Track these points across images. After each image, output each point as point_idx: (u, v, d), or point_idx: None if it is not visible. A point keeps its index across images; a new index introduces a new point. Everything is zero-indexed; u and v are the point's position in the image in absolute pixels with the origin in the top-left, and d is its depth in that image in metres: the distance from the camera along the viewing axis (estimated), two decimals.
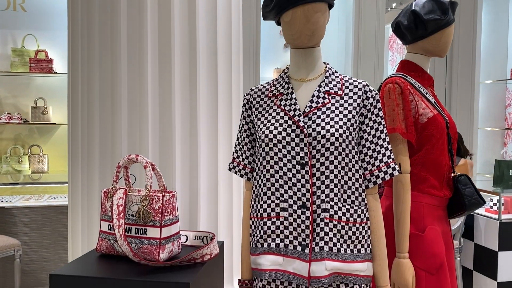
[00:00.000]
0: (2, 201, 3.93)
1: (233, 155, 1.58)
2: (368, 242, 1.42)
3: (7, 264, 3.94)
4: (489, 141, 4.67)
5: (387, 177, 1.43)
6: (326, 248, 1.36)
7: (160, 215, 1.51)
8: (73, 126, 2.55)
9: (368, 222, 1.43)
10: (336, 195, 1.38)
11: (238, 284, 1.40)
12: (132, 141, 2.35)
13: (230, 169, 1.56)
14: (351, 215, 1.39)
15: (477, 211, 3.50)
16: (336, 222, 1.37)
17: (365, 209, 1.43)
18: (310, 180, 1.38)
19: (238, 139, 1.57)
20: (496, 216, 3.34)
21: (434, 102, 1.76)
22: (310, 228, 1.36)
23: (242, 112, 1.55)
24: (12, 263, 3.90)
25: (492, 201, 3.43)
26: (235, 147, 1.58)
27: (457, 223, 3.34)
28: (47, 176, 4.23)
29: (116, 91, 2.34)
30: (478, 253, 3.50)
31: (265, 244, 1.40)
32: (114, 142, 2.37)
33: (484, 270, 3.43)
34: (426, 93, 1.74)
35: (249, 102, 1.53)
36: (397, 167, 1.45)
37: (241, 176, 1.54)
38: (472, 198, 1.70)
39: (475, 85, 4.60)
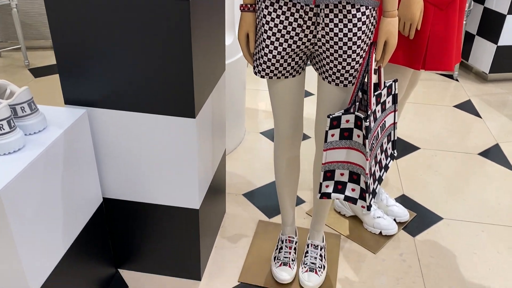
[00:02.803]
0: None
1: None
2: None
3: (6, 16, 3.89)
4: None
5: None
6: None
7: None
8: None
9: None
10: None
11: (240, 9, 1.35)
12: None
13: None
14: None
15: None
16: None
17: None
18: None
19: None
20: None
21: None
22: None
23: None
24: (11, 13, 3.82)
25: None
26: None
27: None
28: None
29: None
30: (485, 17, 3.43)
31: None
32: None
33: (487, 35, 3.42)
34: None
35: None
36: None
37: None
38: None
39: None
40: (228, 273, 1.75)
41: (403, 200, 2.19)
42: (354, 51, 1.26)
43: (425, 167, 2.45)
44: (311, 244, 1.76)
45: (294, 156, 1.60)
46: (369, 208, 1.36)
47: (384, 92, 1.46)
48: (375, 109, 1.43)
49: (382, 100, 1.46)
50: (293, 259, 1.75)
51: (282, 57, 1.31)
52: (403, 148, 2.62)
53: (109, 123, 1.42)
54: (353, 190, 1.39)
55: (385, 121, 1.51)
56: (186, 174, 1.47)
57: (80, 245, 1.43)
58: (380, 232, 1.96)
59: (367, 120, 1.26)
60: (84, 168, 1.41)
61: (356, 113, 1.30)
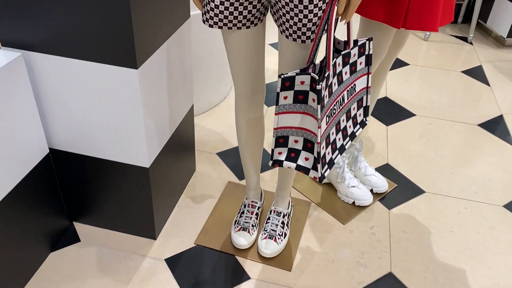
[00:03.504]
0: None
1: None
2: None
3: None
4: None
5: None
6: None
7: None
8: None
9: None
10: None
11: None
12: None
13: None
14: None
15: None
16: None
17: None
18: None
19: None
20: None
21: None
22: None
23: None
24: None
25: None
26: None
27: None
28: None
29: None
30: None
31: None
32: None
33: None
34: None
35: None
36: None
37: None
38: None
39: None
40: (186, 234, 1.69)
41: (386, 169, 2.06)
42: (311, 2, 1.10)
43: (416, 136, 2.29)
44: (274, 211, 1.67)
45: (256, 117, 1.47)
46: (321, 180, 1.24)
47: (355, 51, 1.30)
48: (341, 71, 1.28)
49: (351, 61, 1.31)
50: (254, 224, 1.66)
51: (232, 4, 1.16)
52: (397, 113, 2.45)
53: (49, 69, 1.32)
54: (306, 159, 1.27)
55: (354, 84, 1.36)
56: (132, 129, 1.37)
57: (23, 194, 1.37)
58: (354, 203, 1.85)
59: (320, 83, 1.12)
60: (24, 115, 1.32)
61: (312, 74, 1.16)
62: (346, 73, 1.31)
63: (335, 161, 1.32)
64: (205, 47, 2.13)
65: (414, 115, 2.45)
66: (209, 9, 1.18)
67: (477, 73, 2.91)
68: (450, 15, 1.47)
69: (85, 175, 1.54)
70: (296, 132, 1.25)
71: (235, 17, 1.19)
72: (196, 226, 1.72)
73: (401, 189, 1.95)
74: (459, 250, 1.69)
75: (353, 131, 1.41)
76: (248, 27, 1.23)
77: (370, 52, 1.37)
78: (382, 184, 1.90)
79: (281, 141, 1.27)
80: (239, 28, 1.23)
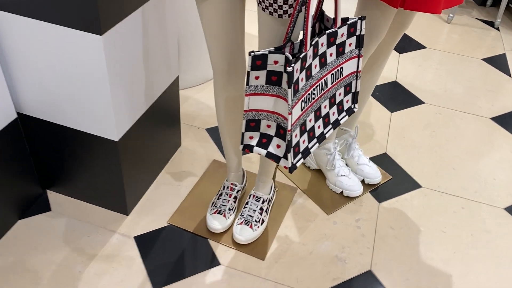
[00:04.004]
0: None
1: None
2: None
3: None
4: None
5: None
6: None
7: None
8: None
9: None
10: None
11: None
12: None
13: None
14: None
15: None
16: None
17: None
18: None
19: None
20: None
21: None
22: None
23: None
24: None
25: None
26: None
27: None
28: None
29: None
30: None
31: None
32: None
33: None
34: None
35: None
36: None
37: None
38: None
39: None
40: (160, 212, 1.62)
41: (383, 159, 1.93)
42: None
43: (422, 125, 2.14)
44: (253, 195, 1.58)
45: (234, 97, 1.36)
46: (291, 170, 1.14)
47: (343, 31, 1.17)
48: (325, 52, 1.15)
49: (338, 41, 1.18)
50: (231, 208, 1.58)
51: None
52: (404, 100, 2.30)
53: (16, 30, 1.23)
54: (278, 146, 1.16)
55: (342, 67, 1.24)
56: (99, 100, 1.28)
57: None
58: (342, 192, 1.74)
59: (292, 65, 1.00)
60: None
61: (286, 53, 1.04)
62: (331, 54, 1.18)
63: (311, 150, 1.22)
64: None
65: (422, 102, 2.30)
66: None
67: (499, 62, 2.70)
68: None
69: (56, 143, 1.47)
70: (269, 117, 1.14)
71: None
72: (172, 205, 1.65)
73: (396, 182, 1.83)
74: (449, 252, 1.57)
75: (337, 118, 1.30)
76: None
77: (362, 33, 1.23)
78: (375, 175, 1.78)
79: (252, 124, 1.16)
80: None
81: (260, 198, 1.57)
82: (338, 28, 1.16)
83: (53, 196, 1.63)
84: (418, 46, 2.79)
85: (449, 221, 1.69)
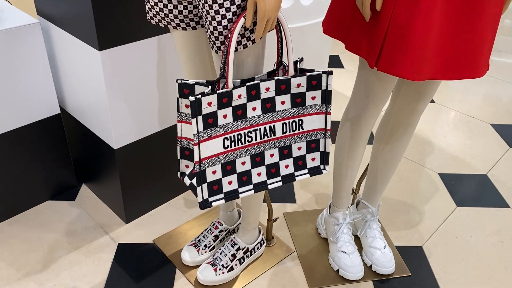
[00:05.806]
0: None
1: None
2: None
3: None
4: None
5: None
6: None
7: None
8: None
9: None
10: None
11: None
12: None
13: None
14: None
15: None
16: None
17: None
18: None
19: None
20: None
21: None
22: None
23: None
24: None
25: None
26: None
27: None
28: None
29: None
30: None
31: None
32: None
33: None
34: None
35: None
36: None
37: None
38: None
39: None
40: (154, 231, 1.69)
41: (414, 252, 1.64)
42: (216, 11, 0.99)
43: (489, 230, 1.74)
44: (231, 240, 1.53)
45: None
46: (201, 206, 1.10)
47: (299, 81, 1.11)
48: (273, 98, 1.11)
49: (294, 91, 1.12)
50: (208, 245, 1.55)
51: (170, 1, 1.12)
52: (484, 197, 1.91)
53: (57, 39, 1.51)
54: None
55: (301, 120, 1.16)
56: (100, 108, 1.46)
57: (32, 135, 1.60)
58: (338, 271, 1.54)
59: (195, 96, 0.99)
60: (37, 74, 1.55)
61: (208, 88, 1.03)
62: (283, 102, 1.12)
63: (241, 195, 1.14)
64: None
65: (508, 206, 1.87)
66: (150, 6, 1.17)
67: None
68: (475, 64, 1.09)
69: (86, 142, 1.70)
70: None
71: (176, 16, 1.15)
72: (168, 227, 1.71)
73: (413, 282, 1.53)
74: None
75: (292, 173, 1.20)
76: (194, 28, 1.18)
77: (329, 88, 1.14)
78: (386, 264, 1.53)
79: (187, 153, 1.17)
80: (184, 28, 1.18)
81: (236, 244, 1.51)
82: (292, 77, 1.10)
83: (84, 189, 1.87)
84: None
85: None
